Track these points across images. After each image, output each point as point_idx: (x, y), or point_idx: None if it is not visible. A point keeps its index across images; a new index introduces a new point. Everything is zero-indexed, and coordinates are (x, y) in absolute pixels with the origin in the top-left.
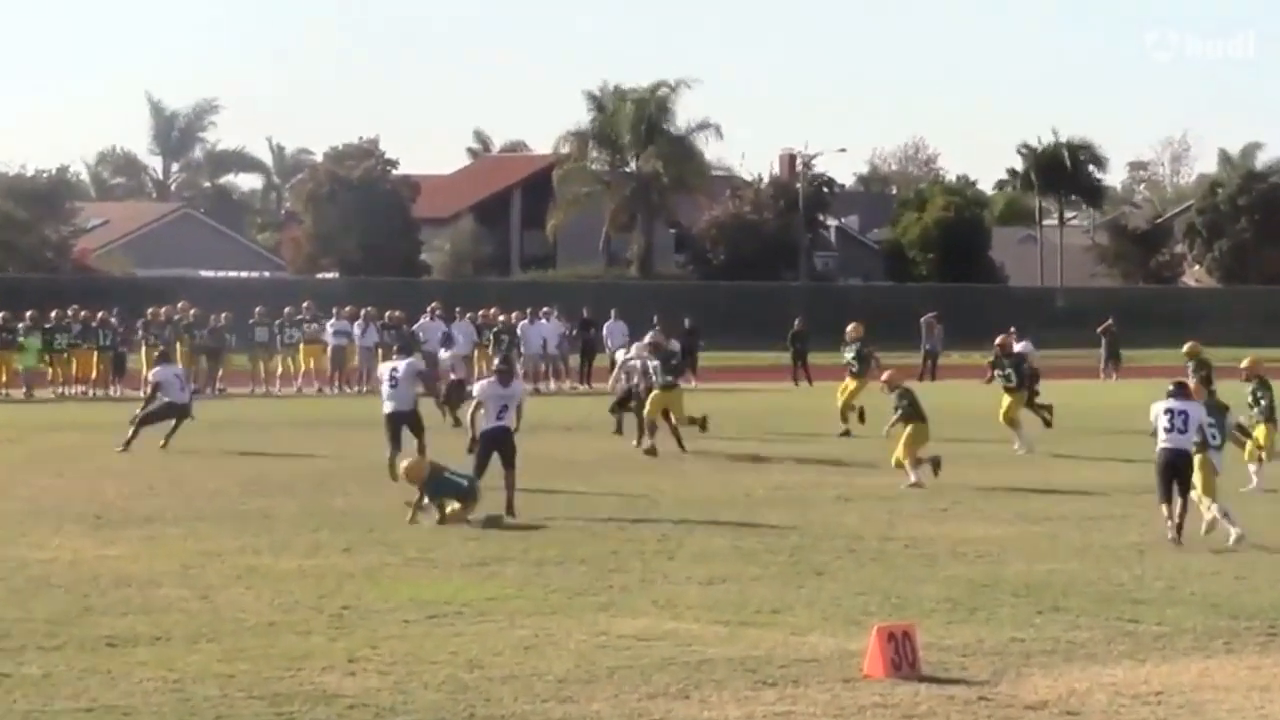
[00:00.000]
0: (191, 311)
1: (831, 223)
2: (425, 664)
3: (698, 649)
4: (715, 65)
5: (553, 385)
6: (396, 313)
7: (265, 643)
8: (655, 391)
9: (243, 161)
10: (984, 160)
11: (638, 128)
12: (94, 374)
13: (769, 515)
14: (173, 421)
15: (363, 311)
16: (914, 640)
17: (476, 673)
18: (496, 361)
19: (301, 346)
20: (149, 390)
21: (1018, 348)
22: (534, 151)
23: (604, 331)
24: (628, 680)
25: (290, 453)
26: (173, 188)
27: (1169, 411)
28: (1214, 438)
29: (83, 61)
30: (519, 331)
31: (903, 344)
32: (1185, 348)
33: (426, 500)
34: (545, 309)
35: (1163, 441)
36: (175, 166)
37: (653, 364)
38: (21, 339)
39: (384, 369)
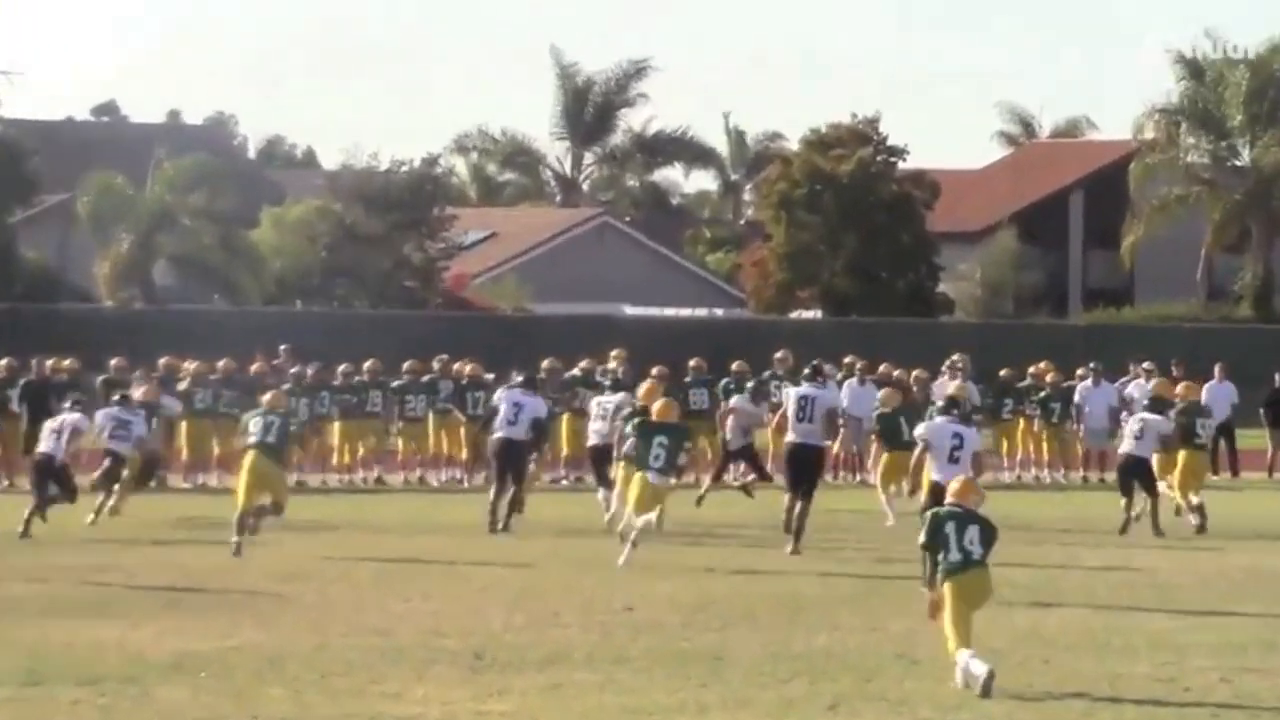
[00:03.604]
0: (620, 370)
1: None
2: None
3: None
4: None
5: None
6: (916, 373)
7: None
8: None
9: (684, 149)
10: None
11: (1253, 103)
12: (462, 451)
13: None
14: None
15: (846, 361)
16: None
17: None
18: None
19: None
20: None
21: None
22: (1098, 136)
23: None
24: None
25: (752, 561)
26: (584, 186)
27: None
28: None
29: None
30: (1077, 397)
31: None
32: None
33: None
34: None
35: None
36: (588, 158)
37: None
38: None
39: None
